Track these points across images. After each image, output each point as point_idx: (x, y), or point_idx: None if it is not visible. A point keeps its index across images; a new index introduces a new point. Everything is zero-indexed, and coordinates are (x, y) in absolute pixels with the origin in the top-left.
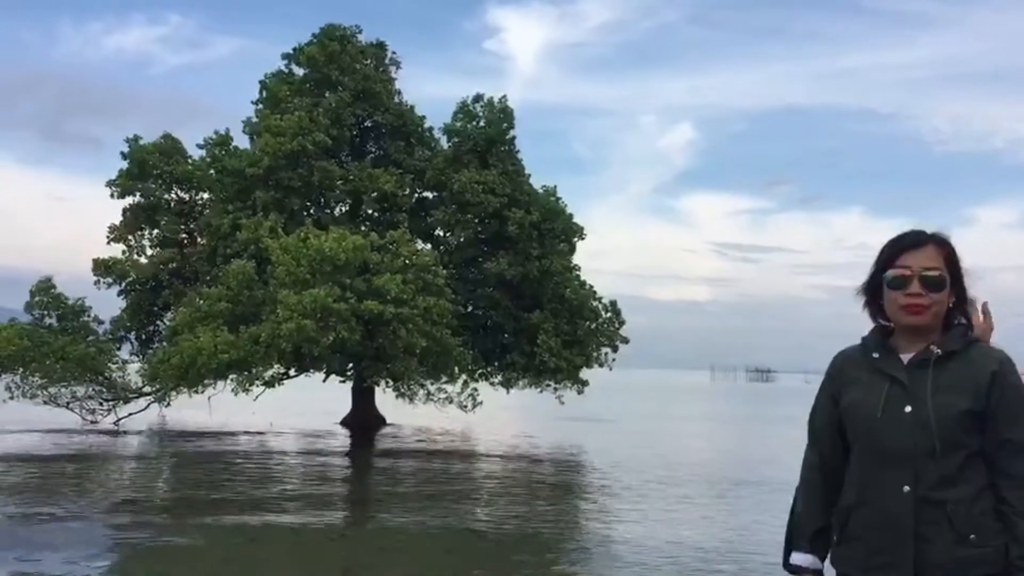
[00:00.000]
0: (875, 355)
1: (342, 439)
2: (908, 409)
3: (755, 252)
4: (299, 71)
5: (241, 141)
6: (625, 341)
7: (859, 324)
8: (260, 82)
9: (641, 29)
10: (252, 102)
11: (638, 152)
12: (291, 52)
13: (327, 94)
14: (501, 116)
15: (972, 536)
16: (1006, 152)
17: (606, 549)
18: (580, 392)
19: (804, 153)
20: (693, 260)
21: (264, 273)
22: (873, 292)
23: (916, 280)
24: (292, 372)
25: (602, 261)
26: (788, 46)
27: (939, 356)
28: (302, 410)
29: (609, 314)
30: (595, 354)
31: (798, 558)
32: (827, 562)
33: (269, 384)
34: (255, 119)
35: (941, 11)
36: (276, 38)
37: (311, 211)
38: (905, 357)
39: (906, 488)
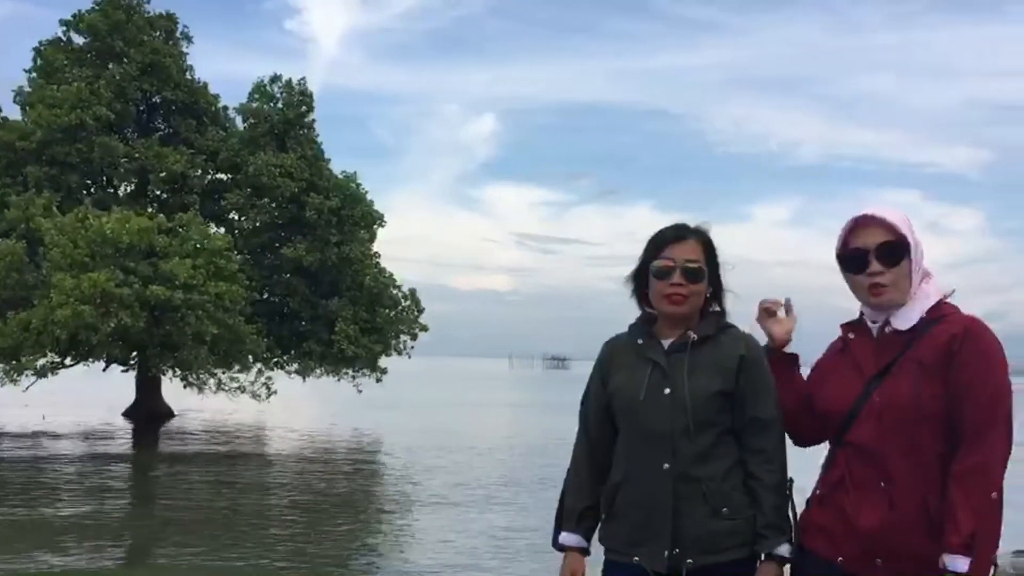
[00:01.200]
0: (639, 341)
1: (123, 438)
2: (667, 391)
3: (554, 243)
4: (79, 40)
5: (11, 112)
6: (424, 329)
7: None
8: (34, 49)
9: (446, 18)
10: (25, 70)
11: (441, 141)
12: (70, 19)
13: (110, 65)
14: (300, 98)
15: (724, 509)
16: (780, 155)
17: None
18: (379, 380)
19: (603, 148)
20: (494, 250)
21: (36, 255)
22: (640, 281)
23: (678, 271)
24: (68, 361)
25: (403, 249)
26: (590, 43)
27: (695, 341)
28: (82, 401)
29: (409, 302)
30: (394, 342)
31: (565, 537)
32: (595, 541)
33: (41, 374)
34: (28, 89)
35: (726, 19)
36: (53, 2)
37: (91, 190)
38: (666, 342)
39: (666, 465)
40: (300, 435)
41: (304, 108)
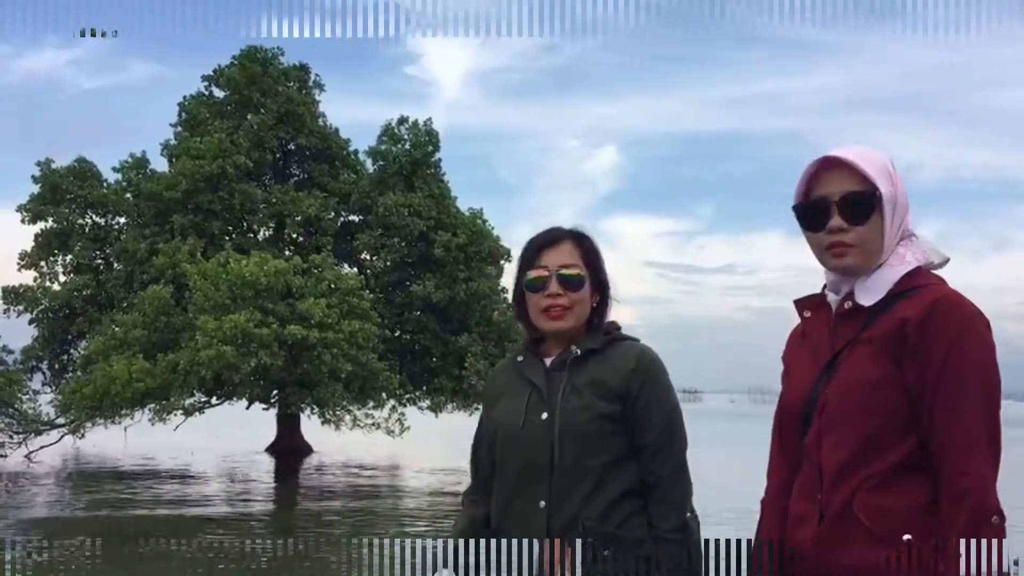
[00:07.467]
0: (519, 359)
1: (265, 481)
2: (544, 416)
3: (680, 271)
4: (219, 93)
5: (159, 164)
6: None
7: (782, 341)
8: (179, 104)
9: (562, 55)
10: (171, 124)
11: (564, 175)
12: (211, 74)
13: (248, 116)
14: (426, 138)
15: (606, 552)
16: (906, 179)
17: None
18: None
19: (725, 176)
20: (622, 282)
21: (183, 299)
22: (520, 299)
23: (554, 280)
24: (213, 400)
25: None
26: (703, 73)
27: (577, 356)
28: (229, 437)
29: None
30: None
31: None
32: None
33: (188, 413)
34: (173, 141)
35: (838, 40)
36: (194, 63)
37: (232, 235)
38: (548, 360)
39: (542, 503)
40: (434, 478)
41: (430, 148)
